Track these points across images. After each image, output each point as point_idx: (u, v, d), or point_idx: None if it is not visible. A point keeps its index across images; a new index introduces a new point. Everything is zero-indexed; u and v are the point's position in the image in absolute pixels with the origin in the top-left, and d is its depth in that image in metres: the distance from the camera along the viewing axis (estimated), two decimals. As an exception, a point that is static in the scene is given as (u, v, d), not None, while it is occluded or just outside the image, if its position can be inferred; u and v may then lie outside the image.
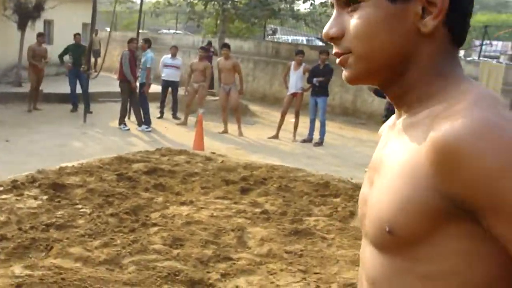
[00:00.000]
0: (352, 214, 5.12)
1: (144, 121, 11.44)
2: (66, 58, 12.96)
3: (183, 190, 5.56)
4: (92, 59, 17.18)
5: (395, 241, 0.90)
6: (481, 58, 13.95)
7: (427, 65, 0.94)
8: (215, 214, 4.90)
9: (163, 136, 10.96)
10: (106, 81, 16.30)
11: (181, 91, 13.00)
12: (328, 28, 0.98)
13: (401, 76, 0.96)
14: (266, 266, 3.88)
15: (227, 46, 11.80)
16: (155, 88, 13.27)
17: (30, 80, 12.87)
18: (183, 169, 6.22)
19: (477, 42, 15.87)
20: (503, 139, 0.78)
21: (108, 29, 20.91)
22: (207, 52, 13.37)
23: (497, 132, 0.78)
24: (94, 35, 15.01)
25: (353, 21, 0.94)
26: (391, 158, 0.93)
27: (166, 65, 12.97)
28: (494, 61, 13.08)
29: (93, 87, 12.84)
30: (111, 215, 4.61)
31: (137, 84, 11.55)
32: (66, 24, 17.79)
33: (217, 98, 12.74)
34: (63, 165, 5.94)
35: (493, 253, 0.83)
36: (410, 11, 0.92)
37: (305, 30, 19.69)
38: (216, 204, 5.19)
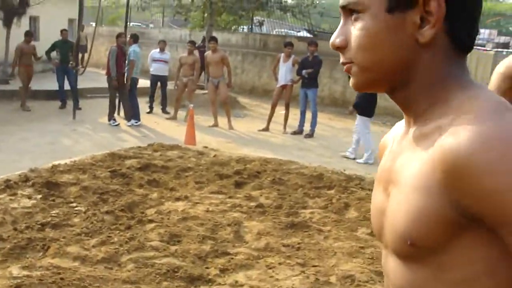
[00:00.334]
0: (347, 205, 5.14)
1: (133, 115, 11.38)
2: (53, 54, 12.83)
3: (177, 186, 5.55)
4: (79, 55, 17.01)
5: (418, 252, 0.91)
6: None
7: (430, 74, 0.94)
8: (210, 209, 4.90)
9: (154, 131, 10.91)
10: (93, 77, 16.19)
11: (170, 85, 12.95)
12: (335, 37, 0.99)
13: (405, 85, 0.96)
14: (264, 260, 3.89)
15: (214, 39, 11.73)
16: (144, 83, 13.20)
17: (20, 78, 12.73)
18: (176, 164, 6.21)
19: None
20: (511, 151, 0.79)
21: (94, 24, 20.71)
22: (195, 46, 13.23)
23: (506, 146, 0.79)
24: (81, 30, 14.86)
25: (354, 32, 0.95)
26: (406, 170, 0.94)
27: (154, 60, 12.88)
28: (482, 50, 13.12)
29: (80, 83, 12.71)
30: (107, 212, 4.60)
31: (125, 78, 11.45)
32: (52, 20, 17.62)
33: (206, 91, 12.69)
34: (56, 163, 5.90)
35: None
36: (409, 21, 0.92)
37: (291, 22, 19.64)
38: (211, 199, 5.19)
